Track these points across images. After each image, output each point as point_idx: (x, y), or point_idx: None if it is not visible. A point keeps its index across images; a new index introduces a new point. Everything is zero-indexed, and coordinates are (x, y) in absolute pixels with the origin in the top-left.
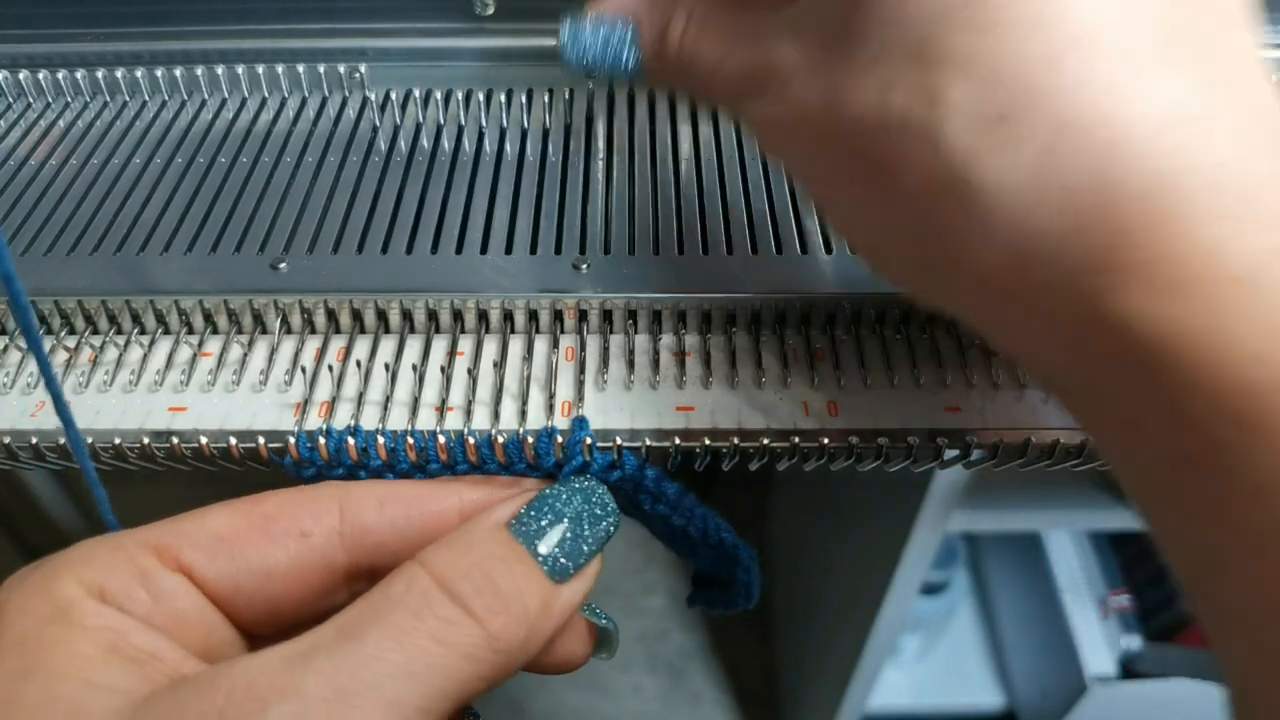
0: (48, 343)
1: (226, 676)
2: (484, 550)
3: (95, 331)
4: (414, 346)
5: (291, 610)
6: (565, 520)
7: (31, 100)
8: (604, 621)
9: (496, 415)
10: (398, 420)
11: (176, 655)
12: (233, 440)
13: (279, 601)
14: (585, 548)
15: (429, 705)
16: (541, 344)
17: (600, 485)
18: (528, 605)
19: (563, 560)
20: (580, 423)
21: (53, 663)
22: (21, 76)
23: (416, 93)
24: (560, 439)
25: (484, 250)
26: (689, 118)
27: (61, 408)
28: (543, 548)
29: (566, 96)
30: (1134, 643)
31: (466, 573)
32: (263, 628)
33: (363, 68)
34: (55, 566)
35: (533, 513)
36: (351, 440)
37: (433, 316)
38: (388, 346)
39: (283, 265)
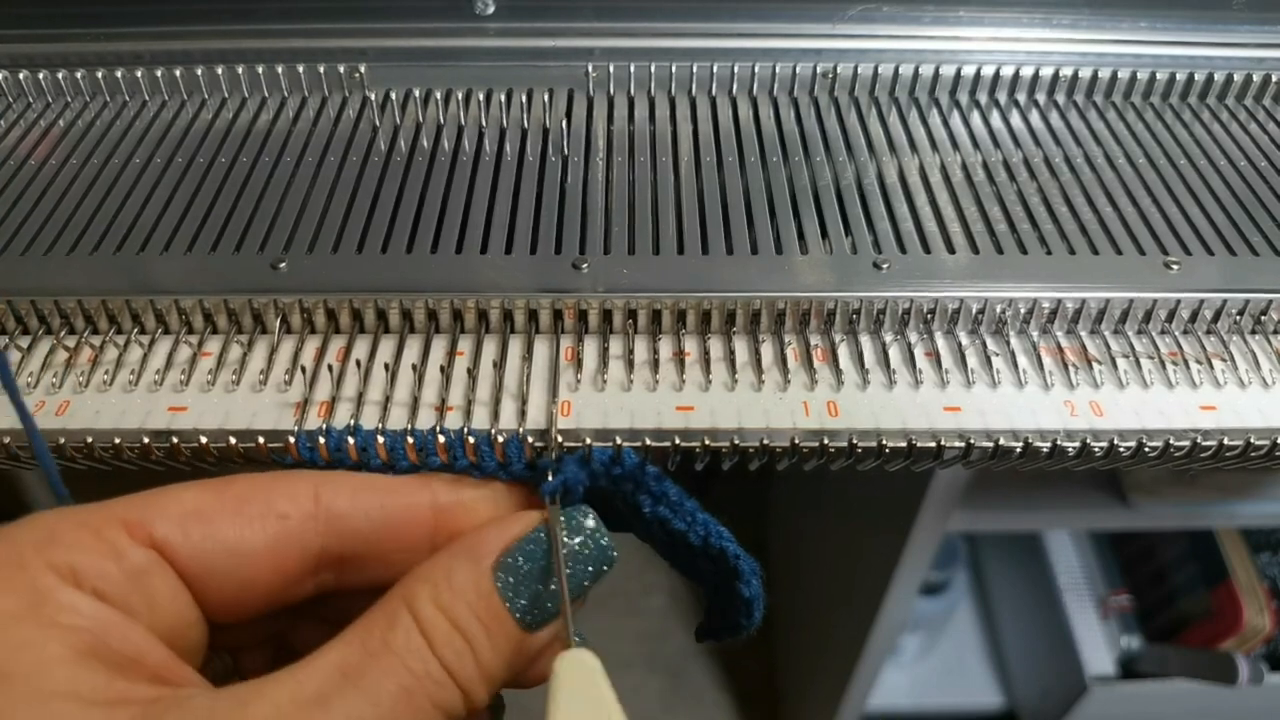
0: (48, 343)
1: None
2: (469, 607)
3: (95, 331)
4: (414, 346)
5: (259, 596)
6: (549, 571)
7: (31, 100)
8: (574, 638)
9: (496, 415)
10: (397, 420)
11: (159, 656)
12: (232, 440)
13: (252, 585)
14: (569, 593)
15: None
16: (541, 344)
17: (594, 519)
18: (500, 677)
19: (540, 614)
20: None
21: (25, 673)
22: (21, 76)
23: (416, 93)
24: (560, 438)
25: (484, 250)
26: (689, 117)
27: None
28: (523, 601)
29: (566, 96)
30: (1134, 643)
31: (449, 640)
32: (226, 613)
33: (363, 68)
34: (21, 550)
35: (520, 559)
36: (351, 440)
37: (432, 316)
38: (387, 346)
39: (283, 265)
